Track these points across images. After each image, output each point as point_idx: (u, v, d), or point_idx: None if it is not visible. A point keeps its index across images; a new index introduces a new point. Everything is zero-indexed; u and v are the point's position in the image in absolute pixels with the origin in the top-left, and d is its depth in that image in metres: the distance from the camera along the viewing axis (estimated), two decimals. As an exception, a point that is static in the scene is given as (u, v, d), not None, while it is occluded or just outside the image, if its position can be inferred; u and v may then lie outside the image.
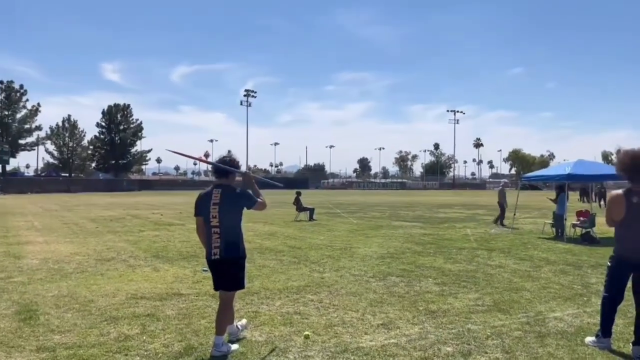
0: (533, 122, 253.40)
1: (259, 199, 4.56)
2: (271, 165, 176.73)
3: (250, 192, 4.59)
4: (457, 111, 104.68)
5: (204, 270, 8.23)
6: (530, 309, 5.97)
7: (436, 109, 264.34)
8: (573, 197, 29.73)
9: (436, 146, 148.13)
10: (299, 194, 19.41)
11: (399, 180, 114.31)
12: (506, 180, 17.57)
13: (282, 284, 7.30)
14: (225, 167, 4.56)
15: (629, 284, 4.60)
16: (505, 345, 4.66)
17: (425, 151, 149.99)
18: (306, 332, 4.91)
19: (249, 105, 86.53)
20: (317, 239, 12.75)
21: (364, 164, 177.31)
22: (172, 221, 18.33)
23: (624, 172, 4.59)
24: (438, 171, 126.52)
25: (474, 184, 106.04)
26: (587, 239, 12.52)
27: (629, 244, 4.51)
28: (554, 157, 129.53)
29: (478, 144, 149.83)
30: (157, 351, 4.45)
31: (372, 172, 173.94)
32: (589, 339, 4.77)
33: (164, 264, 8.97)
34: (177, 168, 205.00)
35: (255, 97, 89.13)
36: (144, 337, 4.83)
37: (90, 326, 5.19)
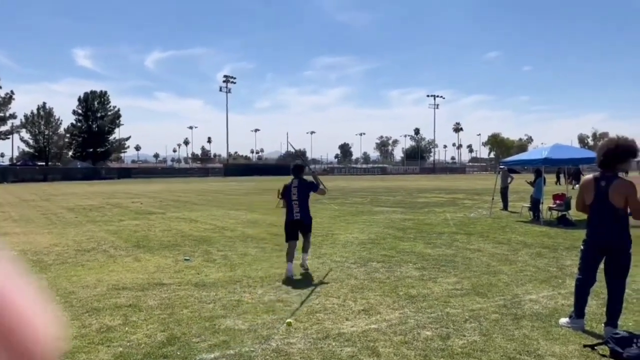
0: (510, 105, 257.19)
1: (320, 186, 7.41)
2: (252, 152, 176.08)
3: (315, 182, 7.40)
4: (437, 96, 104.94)
5: (185, 260, 8.23)
6: (507, 292, 6.12)
7: (414, 93, 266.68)
8: (551, 180, 30.21)
9: (416, 131, 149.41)
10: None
11: (380, 165, 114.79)
12: (503, 167, 17.63)
13: (264, 272, 7.34)
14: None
15: (602, 266, 4.75)
16: (482, 327, 4.78)
17: (405, 136, 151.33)
18: (288, 320, 4.97)
19: (228, 91, 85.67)
20: (298, 226, 12.78)
21: (345, 149, 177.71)
22: (153, 210, 18.18)
23: (604, 157, 4.66)
24: (419, 156, 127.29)
25: (454, 168, 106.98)
26: (563, 222, 12.80)
27: (597, 227, 4.66)
28: (532, 140, 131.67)
29: (457, 129, 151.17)
30: (140, 341, 4.47)
31: (354, 157, 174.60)
32: (563, 320, 4.92)
33: (145, 254, 8.93)
34: (156, 155, 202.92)
35: (235, 83, 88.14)
36: (127, 328, 4.83)
37: (71, 318, 5.17)
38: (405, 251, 8.95)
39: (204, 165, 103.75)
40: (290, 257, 7.03)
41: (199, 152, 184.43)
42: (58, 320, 0.50)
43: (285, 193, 7.29)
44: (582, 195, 4.82)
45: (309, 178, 7.47)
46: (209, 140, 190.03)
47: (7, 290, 0.47)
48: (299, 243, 7.36)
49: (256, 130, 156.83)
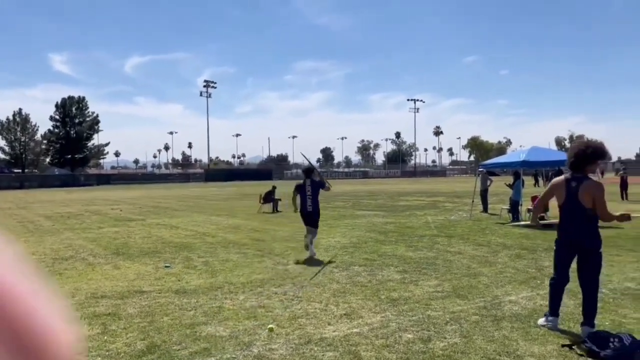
0: (489, 109, 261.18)
1: (326, 185, 9.21)
2: (234, 157, 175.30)
3: (322, 181, 9.29)
4: (417, 100, 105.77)
5: (166, 266, 8.15)
6: (487, 293, 6.19)
7: (395, 97, 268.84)
8: (529, 182, 30.68)
9: (397, 135, 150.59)
10: (274, 188, 19.67)
11: (362, 169, 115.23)
12: (482, 170, 17.78)
13: (245, 277, 7.31)
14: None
15: (574, 265, 4.85)
16: (463, 330, 4.83)
17: (386, 140, 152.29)
18: (270, 325, 4.95)
19: (209, 96, 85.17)
20: (281, 231, 12.76)
21: (327, 153, 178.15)
22: (132, 216, 17.97)
23: (574, 158, 4.77)
24: (400, 159, 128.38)
25: (435, 171, 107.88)
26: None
27: (568, 226, 4.77)
28: (510, 143, 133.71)
29: (438, 132, 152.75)
30: (119, 350, 4.41)
31: (335, 161, 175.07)
32: (541, 320, 5.00)
33: (125, 261, 8.82)
34: (136, 161, 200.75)
35: (215, 87, 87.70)
36: (105, 337, 4.76)
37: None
38: (386, 254, 8.99)
39: (184, 171, 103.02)
40: (308, 240, 8.82)
41: (179, 157, 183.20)
42: (72, 320, 0.49)
43: (300, 190, 8.97)
44: (548, 195, 4.98)
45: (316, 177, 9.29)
46: (190, 146, 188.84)
47: (19, 291, 0.46)
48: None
49: (237, 135, 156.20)
